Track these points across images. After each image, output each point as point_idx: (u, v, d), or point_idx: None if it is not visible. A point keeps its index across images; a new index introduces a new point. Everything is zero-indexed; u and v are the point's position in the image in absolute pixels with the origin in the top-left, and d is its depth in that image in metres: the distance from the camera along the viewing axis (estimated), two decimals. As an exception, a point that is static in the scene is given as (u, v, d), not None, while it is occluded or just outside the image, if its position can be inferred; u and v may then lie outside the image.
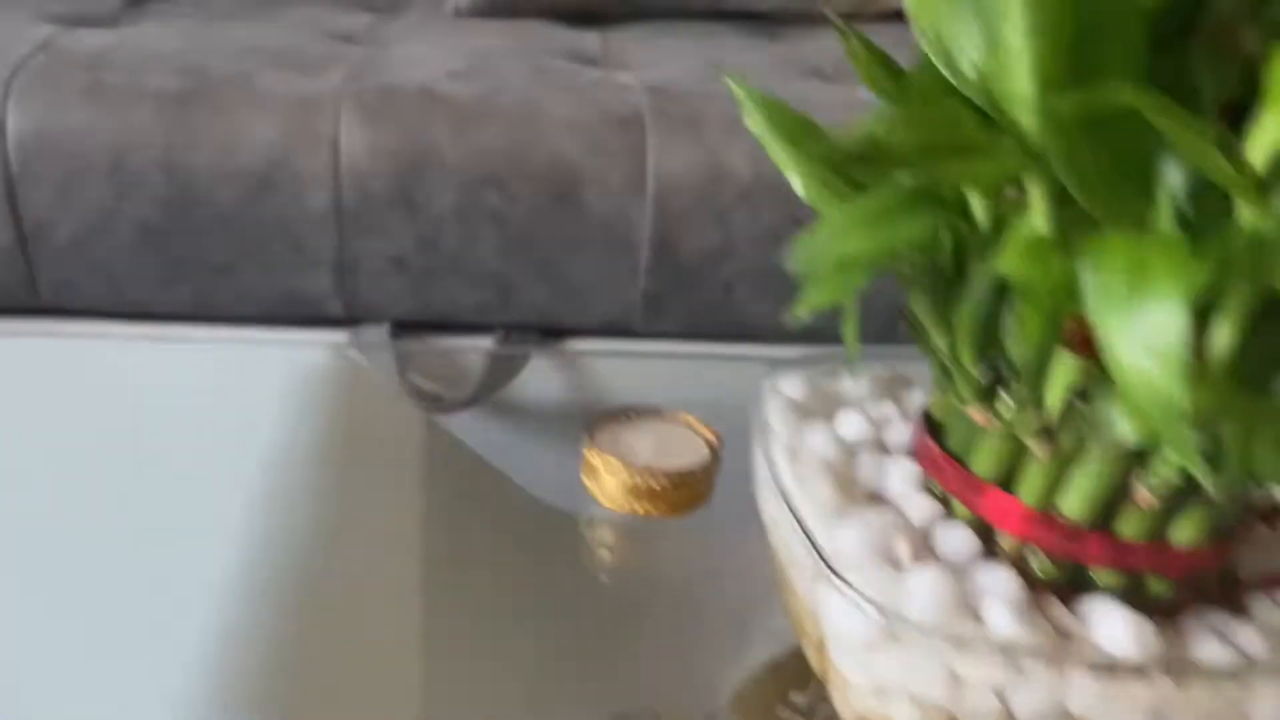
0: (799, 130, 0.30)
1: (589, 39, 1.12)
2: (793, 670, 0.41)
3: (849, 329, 0.32)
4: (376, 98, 0.85)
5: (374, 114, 0.84)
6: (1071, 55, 0.22)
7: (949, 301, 0.29)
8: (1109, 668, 0.26)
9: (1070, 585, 0.29)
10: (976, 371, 0.29)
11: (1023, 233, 0.25)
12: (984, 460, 0.30)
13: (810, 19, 1.37)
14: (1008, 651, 0.26)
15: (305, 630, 0.35)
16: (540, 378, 0.63)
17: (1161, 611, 0.29)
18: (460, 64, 0.93)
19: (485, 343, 0.90)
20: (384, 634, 0.37)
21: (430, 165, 0.84)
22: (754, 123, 0.30)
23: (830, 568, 0.28)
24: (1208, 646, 0.27)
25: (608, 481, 0.42)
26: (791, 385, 0.38)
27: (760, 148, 0.86)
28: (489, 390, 0.70)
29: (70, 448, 0.42)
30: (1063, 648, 0.26)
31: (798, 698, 0.42)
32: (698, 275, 0.89)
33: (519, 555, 0.43)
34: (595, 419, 0.44)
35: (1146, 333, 0.21)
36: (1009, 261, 0.25)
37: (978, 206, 0.27)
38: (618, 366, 0.65)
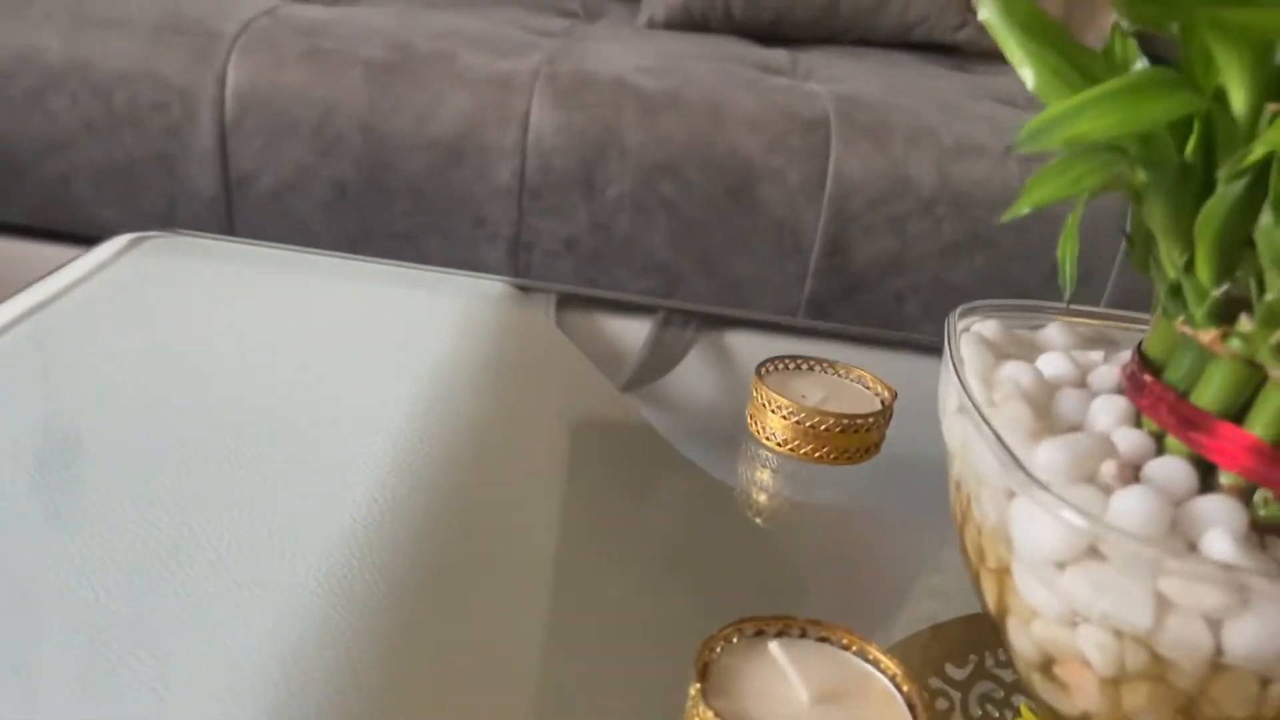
0: (1033, 19, 0.28)
1: (777, 54, 1.11)
2: (953, 640, 0.38)
3: (1068, 245, 0.30)
4: (570, 81, 0.86)
5: (566, 95, 0.85)
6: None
7: (1190, 207, 0.27)
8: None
9: (1303, 534, 0.26)
10: (1215, 288, 0.26)
11: (1291, 112, 0.23)
12: (1212, 391, 0.27)
13: (998, 55, 1.33)
14: (1232, 572, 0.23)
15: (449, 552, 0.35)
16: (701, 363, 0.62)
17: None
18: (650, 62, 0.94)
19: (645, 326, 0.89)
20: (536, 556, 0.36)
21: (612, 149, 0.85)
22: (986, 9, 0.28)
23: (1027, 471, 0.25)
24: None
25: (772, 421, 0.40)
26: (985, 327, 0.35)
27: (945, 160, 0.83)
28: (649, 376, 0.69)
29: (236, 356, 0.43)
30: (1298, 581, 0.23)
31: (954, 671, 0.39)
32: (868, 282, 0.86)
33: (678, 498, 0.41)
34: (765, 364, 0.42)
35: None
36: (1274, 137, 0.22)
37: (1237, 95, 0.25)
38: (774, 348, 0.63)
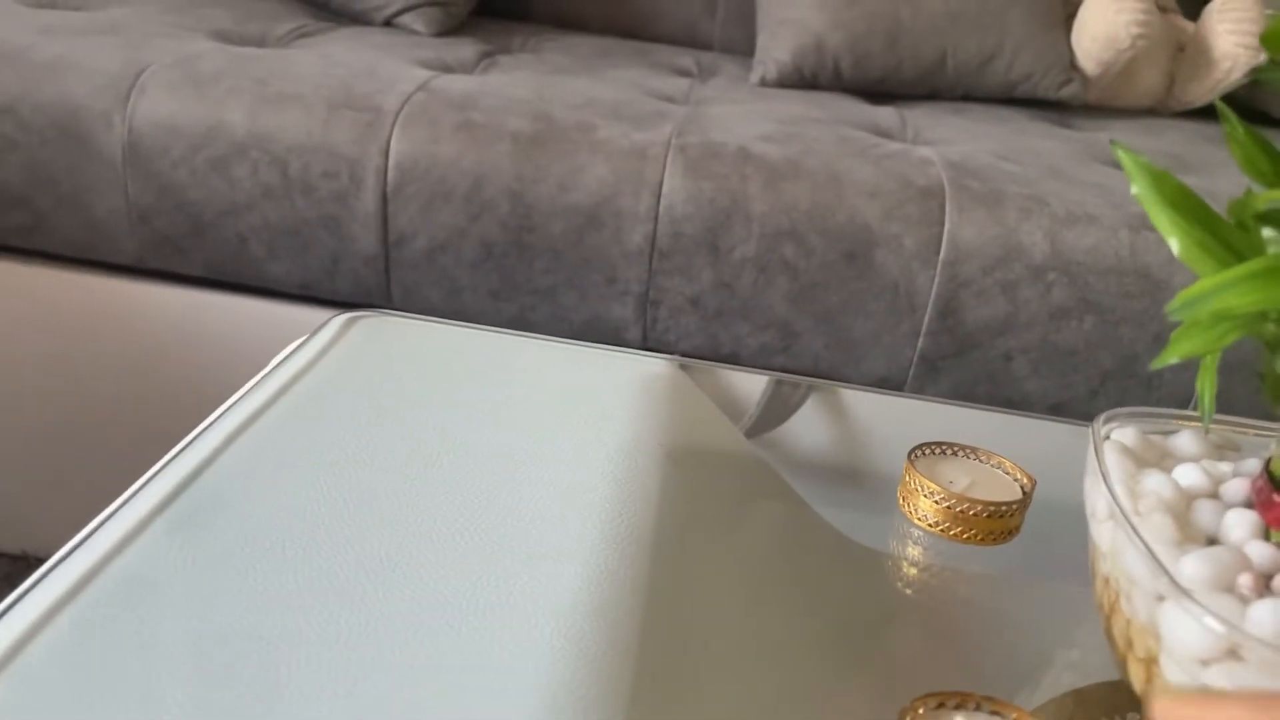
0: (1180, 195, 0.33)
1: (885, 114, 1.17)
2: (1094, 704, 0.43)
3: (1206, 382, 0.35)
4: (699, 151, 0.93)
5: (695, 165, 0.92)
6: None
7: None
8: None
9: None
10: (1335, 430, 0.31)
11: None
12: (1333, 515, 0.32)
13: (1100, 110, 1.36)
14: (1355, 682, 0.28)
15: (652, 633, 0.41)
16: (816, 417, 0.67)
17: None
18: (771, 129, 1.00)
19: (762, 381, 0.95)
20: (727, 628, 0.42)
21: (738, 215, 0.91)
22: (1139, 186, 0.34)
23: (1179, 585, 0.31)
24: None
25: (923, 504, 0.46)
26: (1124, 434, 0.40)
27: (1056, 228, 0.87)
28: (767, 425, 0.75)
29: (454, 433, 0.50)
30: None
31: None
32: (978, 343, 0.91)
33: (834, 572, 0.47)
34: (915, 449, 0.48)
35: None
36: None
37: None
38: (891, 415, 0.69)
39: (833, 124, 1.07)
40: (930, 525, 0.46)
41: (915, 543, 0.47)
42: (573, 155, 0.92)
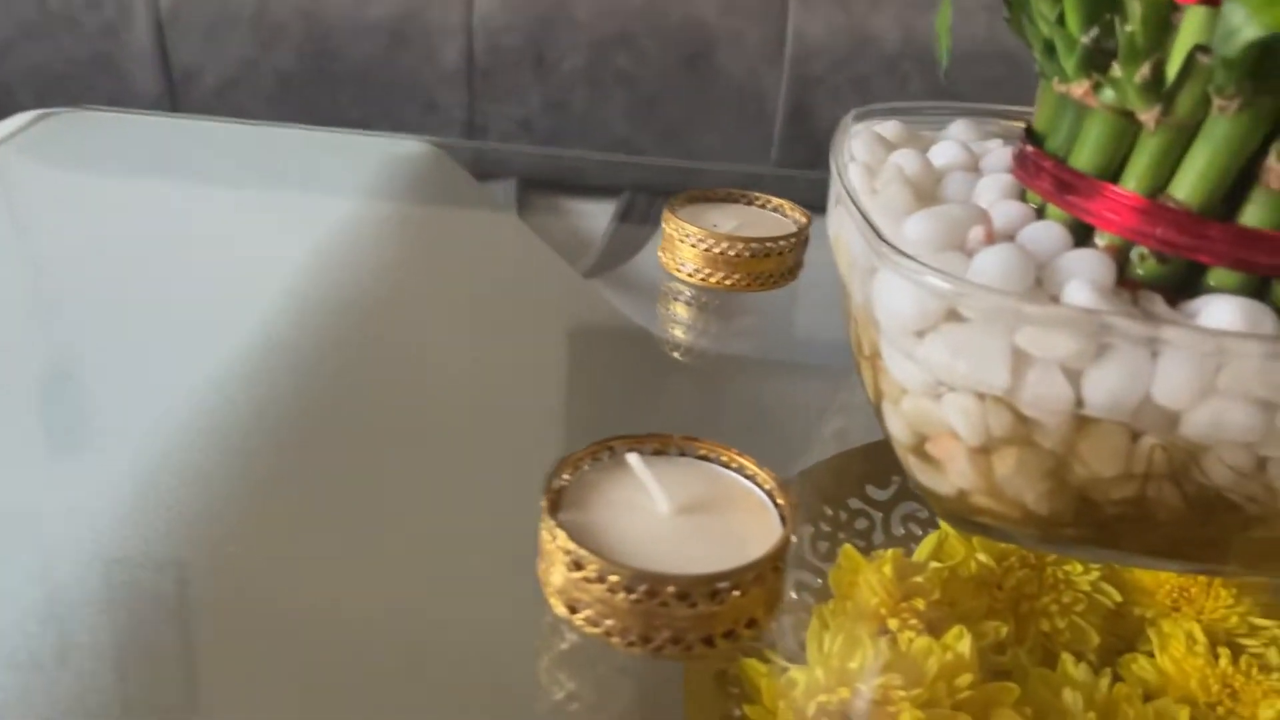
0: None
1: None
2: (877, 462, 0.38)
3: (943, 15, 0.28)
4: (512, -48, 0.83)
5: (508, -33, 0.83)
6: None
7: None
8: (1213, 340, 0.21)
9: (1180, 291, 0.25)
10: (1084, 34, 0.25)
11: None
12: (1088, 150, 0.26)
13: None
14: (1091, 319, 0.22)
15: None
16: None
17: (1291, 322, 0.24)
18: (601, -70, 0.91)
19: (610, 208, 0.88)
20: (426, 393, 0.35)
21: (561, 22, 0.82)
22: None
23: (887, 241, 0.25)
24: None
25: (684, 251, 0.39)
26: (885, 126, 0.34)
27: (907, 14, 0.80)
28: (611, 264, 0.68)
29: (140, 222, 0.42)
30: (1155, 321, 0.22)
31: (876, 492, 0.38)
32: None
33: (590, 337, 0.41)
34: (677, 197, 0.41)
35: None
36: None
37: None
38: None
39: (677, -71, 0.98)
40: (691, 275, 0.39)
41: (678, 298, 0.41)
42: (368, -37, 0.82)
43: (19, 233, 0.40)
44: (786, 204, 0.42)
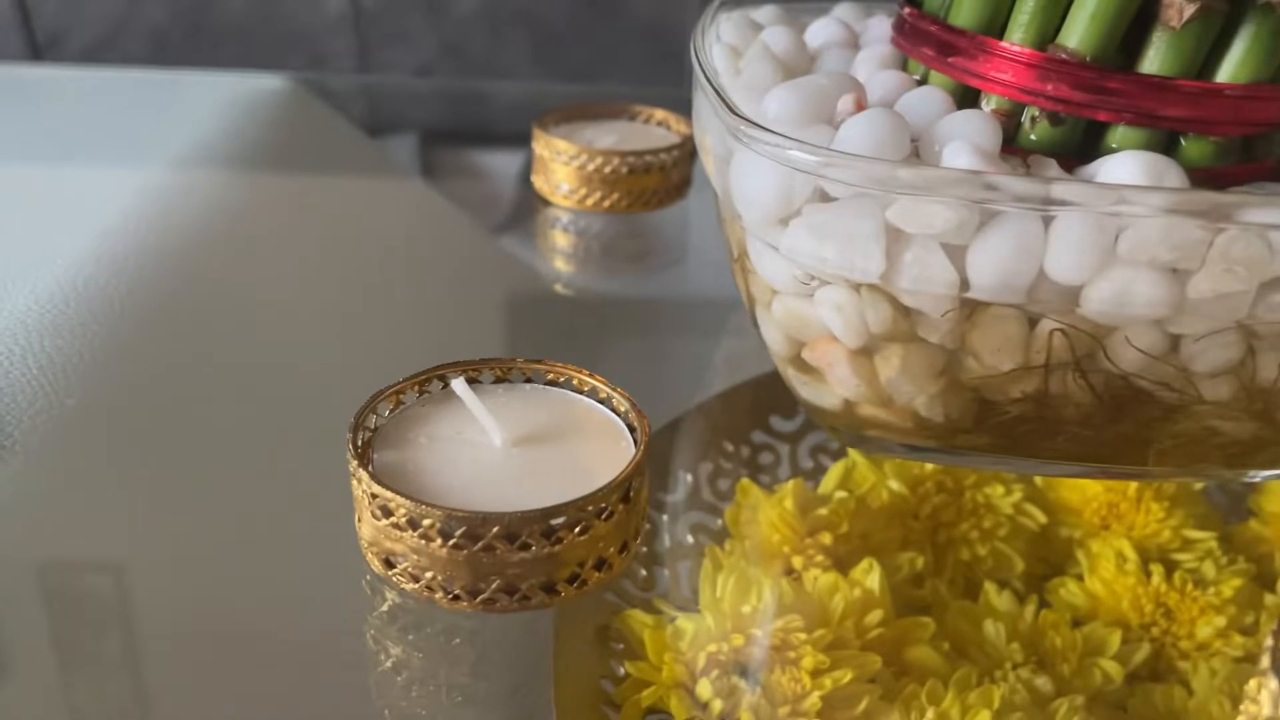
0: None
1: None
2: (778, 391, 0.35)
3: None
4: (394, -113, 0.79)
5: (391, -97, 0.78)
6: None
7: None
8: (1114, 193, 0.18)
9: (1078, 156, 0.22)
10: None
11: None
12: (969, 4, 0.23)
13: None
14: (971, 181, 0.19)
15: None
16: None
17: (1201, 180, 0.21)
18: None
19: (518, 161, 0.84)
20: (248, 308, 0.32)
21: (452, -41, 0.78)
22: None
23: (743, 116, 0.21)
24: (1253, 202, 0.19)
25: (558, 171, 0.36)
26: (760, 12, 0.30)
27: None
28: (517, 221, 0.64)
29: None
30: (1045, 180, 0.19)
31: (781, 424, 0.35)
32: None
33: (461, 269, 0.37)
34: (548, 114, 0.38)
35: None
36: None
37: None
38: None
39: None
40: (566, 197, 0.36)
41: (555, 224, 0.37)
42: (238, -95, 0.77)
43: None
44: (672, 116, 0.38)
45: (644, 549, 0.28)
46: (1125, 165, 0.19)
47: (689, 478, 0.32)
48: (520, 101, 0.83)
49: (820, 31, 0.28)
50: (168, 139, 0.40)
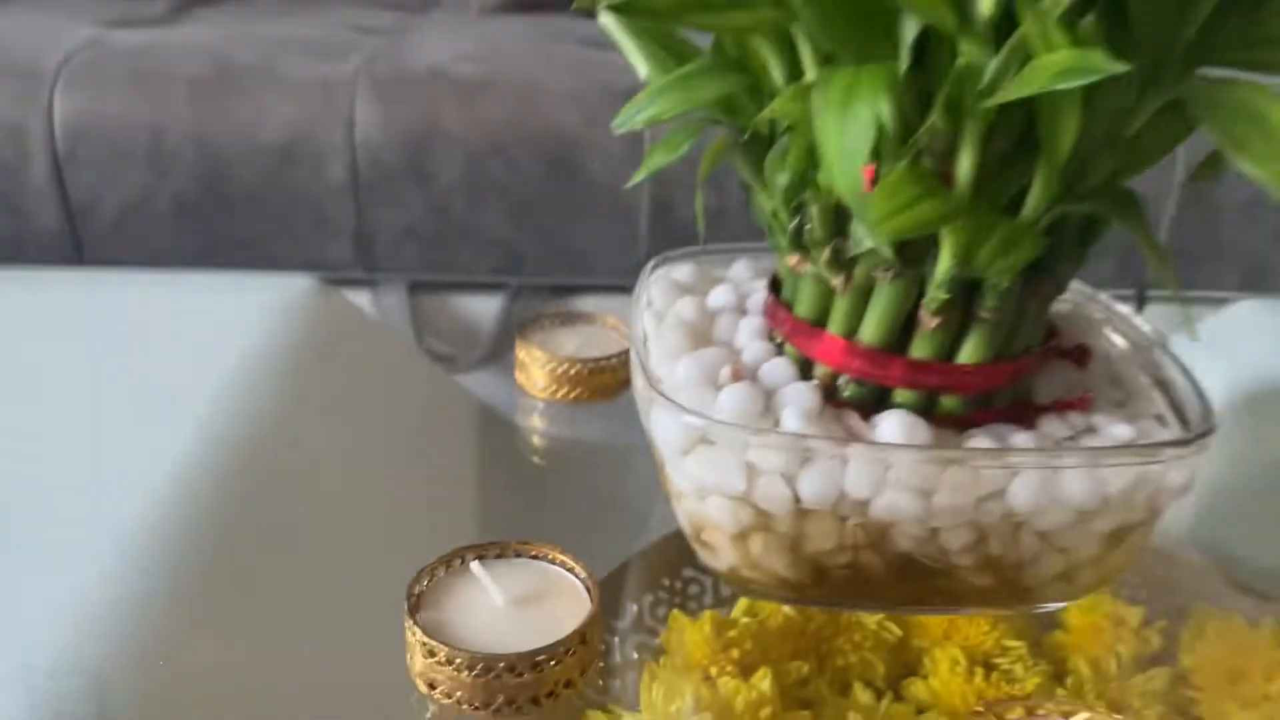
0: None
1: (604, 26, 1.18)
2: (664, 557, 0.46)
3: (697, 201, 0.37)
4: (389, 78, 0.92)
5: (385, 92, 0.91)
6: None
7: (766, 162, 0.34)
8: (880, 449, 0.30)
9: (875, 406, 0.34)
10: (791, 221, 0.34)
11: (794, 86, 0.30)
12: (805, 303, 0.35)
13: None
14: (795, 440, 0.31)
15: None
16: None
17: (953, 425, 0.33)
18: (471, 49, 1.01)
19: (497, 302, 0.96)
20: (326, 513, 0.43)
21: (437, 137, 0.91)
22: (604, 18, 0.36)
23: (655, 386, 0.33)
24: (978, 441, 0.32)
25: (535, 372, 0.48)
26: (681, 270, 0.43)
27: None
28: (501, 349, 0.76)
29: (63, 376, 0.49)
30: (844, 440, 0.31)
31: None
32: (695, 240, 0.94)
33: (469, 449, 0.49)
34: (526, 322, 0.50)
35: (848, 136, 0.26)
36: (780, 106, 0.30)
37: (775, 70, 0.32)
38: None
39: (543, 41, 1.08)
40: (542, 391, 0.48)
41: (533, 411, 0.49)
42: (254, 95, 0.90)
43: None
44: (622, 324, 0.50)
45: (601, 664, 0.39)
46: (893, 425, 0.32)
47: (635, 607, 0.43)
48: (496, 255, 0.95)
49: (718, 298, 0.40)
50: (214, 340, 0.52)
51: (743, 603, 0.42)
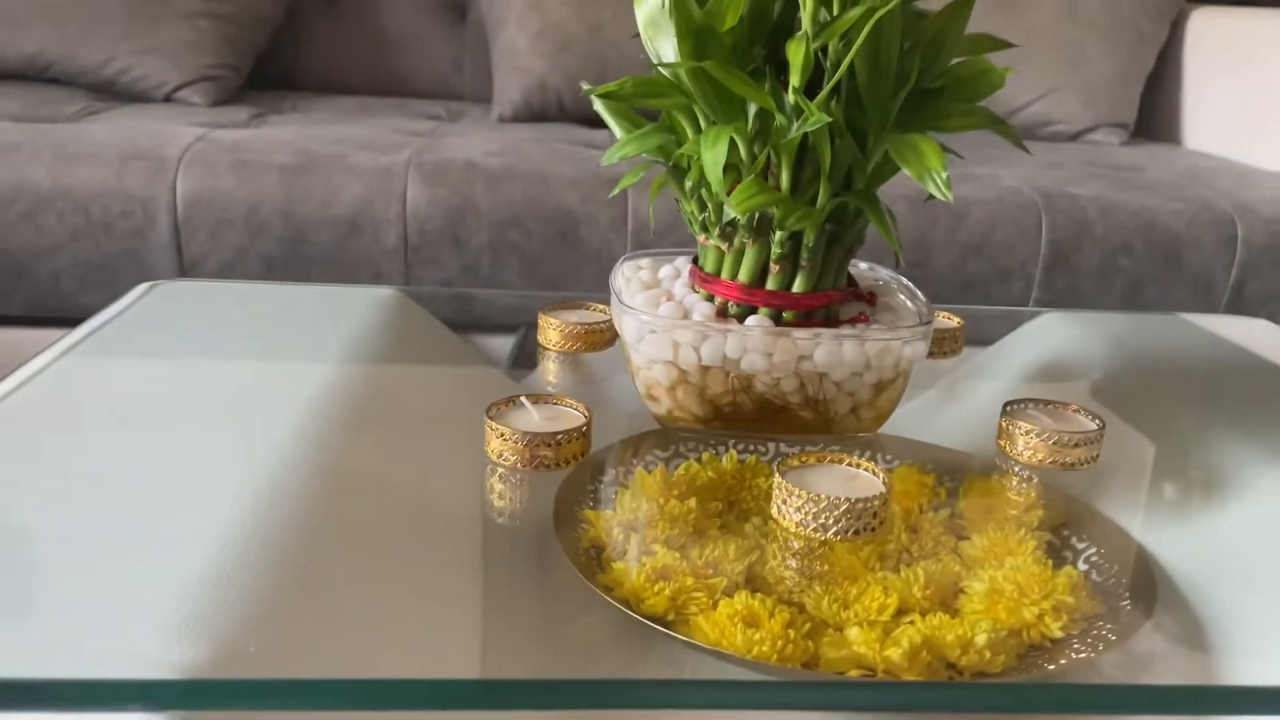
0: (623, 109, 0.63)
1: (600, 134, 1.48)
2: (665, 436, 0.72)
3: (650, 211, 0.65)
4: (434, 167, 1.21)
5: (431, 177, 1.20)
6: (697, 46, 0.55)
7: (685, 182, 0.62)
8: (745, 329, 0.57)
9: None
10: (700, 215, 0.61)
11: (695, 136, 0.58)
12: (708, 262, 0.62)
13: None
14: (699, 326, 0.57)
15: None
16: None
17: (794, 324, 0.60)
18: (495, 147, 1.30)
19: (508, 343, 1.23)
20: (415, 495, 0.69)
21: (470, 211, 1.19)
22: (597, 103, 0.64)
23: (624, 305, 0.60)
24: (800, 331, 0.58)
25: (551, 334, 0.74)
26: (642, 260, 0.70)
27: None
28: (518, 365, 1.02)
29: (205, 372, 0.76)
30: (725, 328, 0.58)
31: (660, 452, 0.72)
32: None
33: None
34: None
35: (712, 156, 0.53)
36: (688, 148, 0.58)
37: (687, 129, 0.60)
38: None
39: (550, 142, 1.37)
40: (556, 346, 0.74)
41: (551, 359, 0.75)
42: (330, 178, 1.19)
43: (132, 385, 0.72)
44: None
45: (592, 488, 0.65)
46: (752, 320, 0.58)
47: (613, 471, 0.69)
48: (512, 305, 1.23)
49: (664, 272, 0.67)
50: (313, 339, 0.78)
51: (682, 468, 0.68)
